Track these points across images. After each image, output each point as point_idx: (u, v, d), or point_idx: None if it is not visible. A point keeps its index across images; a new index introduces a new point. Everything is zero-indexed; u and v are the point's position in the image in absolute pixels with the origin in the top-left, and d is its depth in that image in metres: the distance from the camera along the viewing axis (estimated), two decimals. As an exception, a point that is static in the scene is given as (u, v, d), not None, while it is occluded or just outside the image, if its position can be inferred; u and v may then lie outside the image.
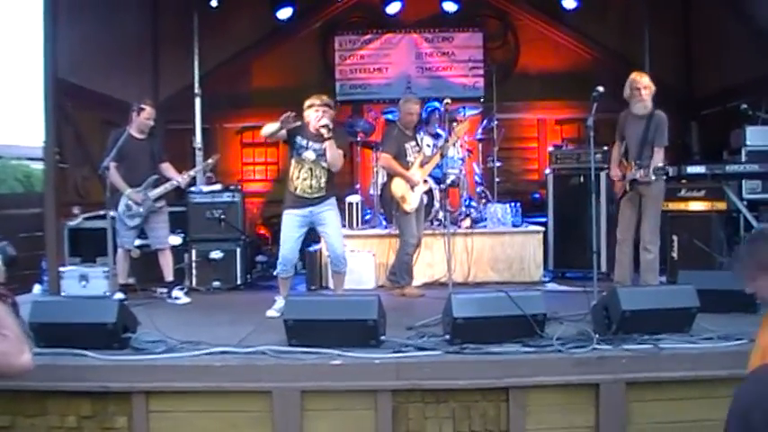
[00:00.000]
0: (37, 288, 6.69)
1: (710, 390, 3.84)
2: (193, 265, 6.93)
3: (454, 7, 9.14)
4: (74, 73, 6.90)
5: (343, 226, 6.85)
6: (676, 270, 5.84)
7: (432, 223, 7.01)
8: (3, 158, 12.16)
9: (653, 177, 5.50)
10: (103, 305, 4.37)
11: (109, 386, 3.88)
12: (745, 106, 6.44)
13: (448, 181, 6.96)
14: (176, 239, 6.59)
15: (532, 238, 7.06)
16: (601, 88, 5.02)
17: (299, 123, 5.31)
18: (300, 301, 4.63)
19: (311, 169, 5.36)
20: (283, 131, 5.26)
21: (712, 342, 4.07)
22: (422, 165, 6.39)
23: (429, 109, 7.79)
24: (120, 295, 5.61)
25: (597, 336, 4.11)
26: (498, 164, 8.11)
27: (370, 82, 9.44)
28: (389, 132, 6.57)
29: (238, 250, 6.99)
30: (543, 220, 7.44)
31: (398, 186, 6.24)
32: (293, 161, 5.42)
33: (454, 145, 7.21)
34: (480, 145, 8.30)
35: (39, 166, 9.16)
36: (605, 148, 6.54)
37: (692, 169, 5.87)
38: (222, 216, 6.97)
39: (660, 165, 5.50)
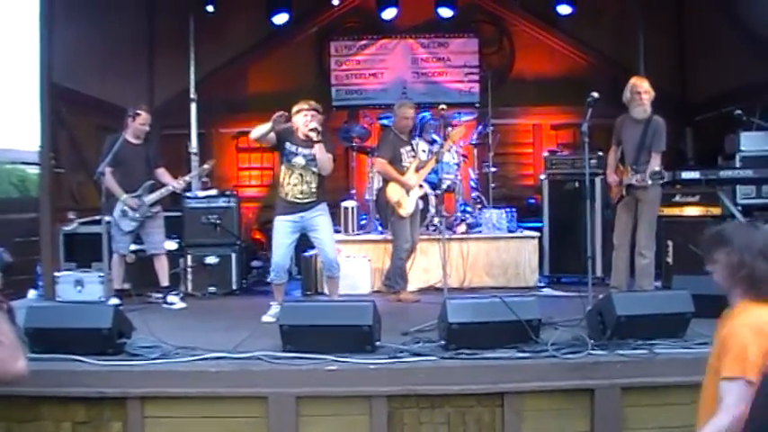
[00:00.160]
0: (32, 293, 6.65)
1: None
2: (189, 270, 6.92)
3: (450, 13, 9.13)
4: (69, 77, 6.89)
5: (339, 231, 6.88)
6: (671, 275, 5.83)
7: (427, 228, 7.02)
8: (-2, 162, 12.15)
9: (650, 182, 5.52)
10: (99, 310, 4.35)
11: (104, 392, 3.87)
12: (739, 112, 6.44)
13: (443, 186, 6.98)
14: (172, 245, 6.57)
15: (528, 243, 7.07)
16: (596, 94, 5.04)
17: (290, 125, 5.31)
18: (296, 306, 4.62)
19: (301, 175, 5.35)
20: (272, 135, 5.24)
21: (707, 347, 4.04)
22: (417, 169, 6.39)
23: (422, 121, 7.78)
24: (115, 300, 5.60)
25: (592, 341, 4.12)
26: (493, 169, 8.11)
27: (366, 87, 9.43)
28: (385, 137, 6.58)
29: (234, 255, 6.99)
30: (538, 225, 7.45)
31: (394, 191, 6.25)
32: (283, 167, 5.42)
33: (449, 150, 7.21)
34: (476, 150, 8.34)
35: (34, 170, 9.15)
36: (600, 153, 6.58)
37: (686, 175, 5.90)
38: (218, 221, 6.97)
39: (657, 169, 5.52)
